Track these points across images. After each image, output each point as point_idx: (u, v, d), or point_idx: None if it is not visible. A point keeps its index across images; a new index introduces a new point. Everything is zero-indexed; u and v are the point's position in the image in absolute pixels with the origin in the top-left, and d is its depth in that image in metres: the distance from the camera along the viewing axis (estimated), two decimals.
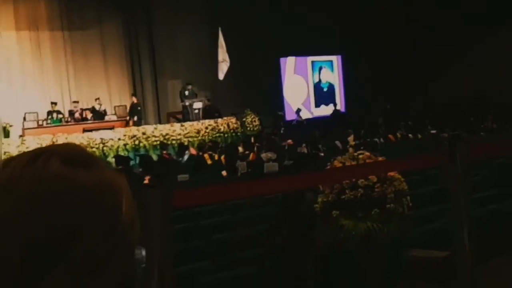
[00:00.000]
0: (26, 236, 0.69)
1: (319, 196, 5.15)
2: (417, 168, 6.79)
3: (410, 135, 18.99)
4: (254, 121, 22.59)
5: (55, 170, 0.75)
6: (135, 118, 21.40)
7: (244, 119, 22.45)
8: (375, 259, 4.83)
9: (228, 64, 22.27)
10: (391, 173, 5.24)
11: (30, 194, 0.72)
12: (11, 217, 0.70)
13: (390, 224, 4.98)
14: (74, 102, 21.37)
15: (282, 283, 4.95)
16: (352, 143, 13.95)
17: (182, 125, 20.79)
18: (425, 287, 4.58)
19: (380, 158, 5.58)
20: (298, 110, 25.03)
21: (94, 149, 18.28)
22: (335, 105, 26.63)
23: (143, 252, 2.13)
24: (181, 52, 24.39)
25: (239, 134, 21.71)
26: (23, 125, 19.79)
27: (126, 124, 20.84)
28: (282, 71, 25.90)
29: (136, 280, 0.78)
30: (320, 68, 27.29)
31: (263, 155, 14.12)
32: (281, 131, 21.83)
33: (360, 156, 5.51)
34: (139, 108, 21.81)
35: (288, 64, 26.14)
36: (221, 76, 22.51)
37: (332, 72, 27.66)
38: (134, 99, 22.09)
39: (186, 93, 22.23)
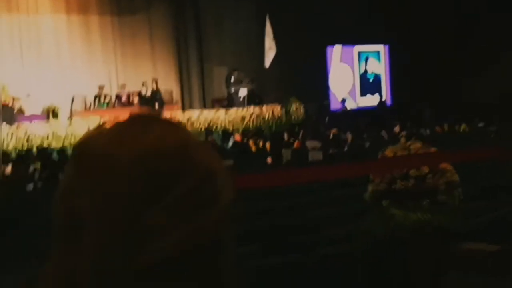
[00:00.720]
0: (135, 177, 0.76)
1: (369, 185, 5.13)
2: (469, 160, 6.70)
3: (457, 127, 18.74)
4: (299, 109, 22.55)
5: (157, 130, 0.81)
6: (156, 105, 21.01)
7: (288, 107, 22.42)
8: (425, 249, 4.80)
9: (274, 51, 22.24)
10: (443, 165, 5.19)
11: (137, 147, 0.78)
12: (126, 162, 0.77)
13: (441, 216, 4.93)
14: (121, 86, 21.64)
15: (330, 270, 4.96)
16: (401, 133, 13.82)
17: (227, 112, 20.87)
18: (476, 280, 4.53)
19: (432, 149, 5.52)
20: (344, 100, 24.89)
21: None
22: (380, 95, 26.41)
23: None
24: (227, 38, 24.44)
25: (283, 122, 21.70)
26: (71, 108, 20.12)
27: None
28: (328, 59, 25.75)
29: (231, 239, 0.81)
30: (367, 58, 27.07)
31: (308, 144, 14.12)
32: (326, 120, 21.74)
33: (412, 147, 5.46)
34: (158, 96, 21.53)
35: (335, 52, 25.98)
36: (267, 63, 22.49)
37: (378, 62, 27.40)
38: (154, 86, 21.69)
39: (232, 79, 22.29)
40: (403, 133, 13.19)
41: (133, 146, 0.79)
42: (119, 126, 0.83)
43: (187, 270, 0.75)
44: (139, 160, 0.77)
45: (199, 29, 24.46)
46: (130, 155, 0.78)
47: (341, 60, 26.10)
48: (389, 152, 5.32)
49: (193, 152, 0.81)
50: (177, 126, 0.85)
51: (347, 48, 26.25)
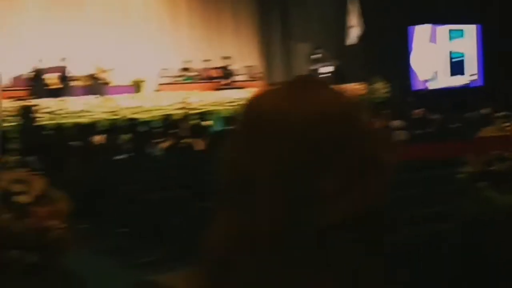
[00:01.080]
0: (306, 139, 0.79)
1: (464, 166, 5.00)
2: None
3: None
4: (382, 88, 22.21)
5: (325, 94, 0.84)
6: (227, 80, 21.15)
7: (372, 86, 22.11)
8: None
9: (359, 29, 21.93)
10: None
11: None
12: (299, 124, 0.80)
13: None
14: (206, 61, 21.88)
15: (420, 250, 4.89)
16: (495, 114, 13.41)
17: None
18: None
19: None
20: (429, 80, 24.33)
21: (224, 108, 18.71)
22: (469, 76, 25.67)
23: None
24: (311, 16, 24.24)
25: (366, 101, 21.42)
26: (157, 81, 20.53)
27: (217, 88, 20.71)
28: (413, 38, 25.18)
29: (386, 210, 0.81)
30: (455, 37, 26.31)
31: (392, 123, 13.90)
32: (410, 100, 21.33)
33: (508, 128, 5.28)
34: (224, 71, 21.49)
35: (421, 31, 25.36)
36: (351, 41, 22.22)
37: (467, 41, 26.60)
38: (223, 63, 21.66)
39: (315, 57, 22.14)
40: (498, 114, 12.78)
41: (305, 108, 0.80)
42: (288, 88, 0.84)
43: (354, 234, 0.76)
44: (311, 123, 0.78)
45: (284, 5, 24.38)
46: (302, 117, 0.78)
47: (428, 40, 25.47)
48: (485, 132, 5.17)
49: (360, 119, 0.82)
50: (343, 93, 0.85)
51: (435, 27, 25.58)
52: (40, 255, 2.76)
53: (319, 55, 22.12)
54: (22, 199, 2.80)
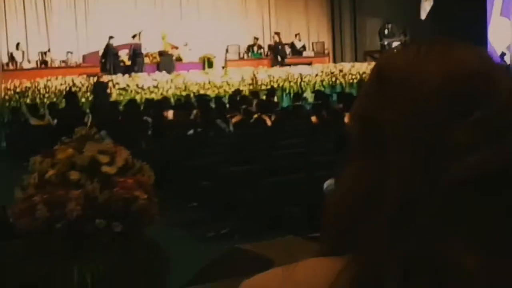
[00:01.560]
0: (442, 95, 0.79)
1: None
2: None
3: None
4: None
5: (460, 52, 0.84)
6: (278, 57, 20.76)
7: None
8: None
9: (431, 2, 21.42)
10: None
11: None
12: (434, 80, 0.80)
13: None
14: (275, 33, 21.80)
15: None
16: None
17: None
18: None
19: None
20: (502, 54, 23.58)
21: (292, 84, 18.67)
22: None
23: None
24: None
25: None
26: (226, 57, 20.63)
27: (273, 64, 20.43)
28: (488, 12, 24.41)
29: None
30: None
31: None
32: None
33: None
34: (280, 47, 21.18)
35: (495, 4, 24.55)
36: (423, 15, 21.72)
37: None
38: (277, 38, 21.23)
39: (386, 31, 21.79)
40: None
41: (440, 65, 0.79)
42: (422, 46, 0.84)
43: (484, 191, 0.75)
44: (447, 79, 0.78)
45: None
46: (437, 73, 0.78)
47: (501, 13, 24.64)
48: None
49: (497, 77, 0.81)
50: (480, 51, 0.85)
51: (509, 1, 24.70)
52: (125, 225, 2.84)
53: (390, 30, 21.73)
54: (108, 169, 2.88)
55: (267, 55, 21.16)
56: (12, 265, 3.15)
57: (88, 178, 2.73)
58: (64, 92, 15.31)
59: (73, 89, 15.87)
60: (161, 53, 18.90)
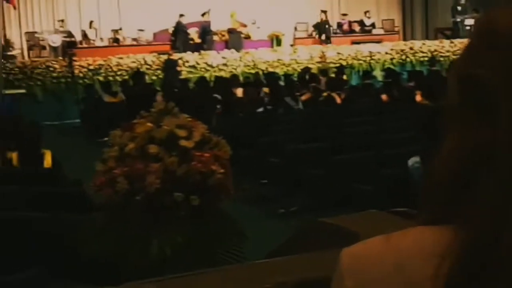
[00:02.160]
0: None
1: None
2: None
3: None
4: None
5: None
6: (323, 36, 20.02)
7: None
8: None
9: None
10: None
11: None
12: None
13: None
14: (343, 14, 21.58)
15: None
16: None
17: (451, 42, 19.98)
18: None
19: None
20: None
21: (361, 62, 18.46)
22: None
23: None
24: None
25: None
26: (294, 35, 20.53)
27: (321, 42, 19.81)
28: None
29: None
30: None
31: None
32: None
33: None
34: (327, 26, 20.58)
35: None
36: None
37: None
38: (323, 16, 20.38)
39: (459, 8, 21.18)
40: None
41: None
42: None
43: None
44: None
45: None
46: None
47: None
48: None
49: None
50: None
51: None
52: (202, 198, 2.89)
53: (463, 6, 21.12)
54: (186, 143, 2.93)
55: (335, 33, 20.92)
56: (92, 238, 3.25)
57: (167, 151, 2.79)
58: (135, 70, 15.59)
59: (144, 66, 16.14)
60: (230, 31, 18.93)
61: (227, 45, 18.40)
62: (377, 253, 0.79)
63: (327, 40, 19.76)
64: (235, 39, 18.54)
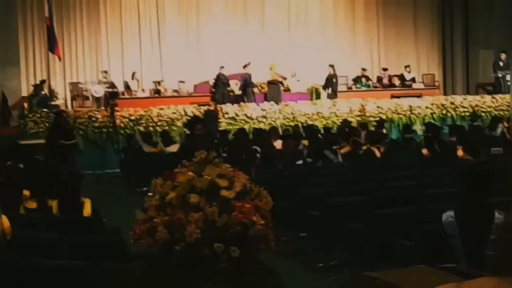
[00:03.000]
0: None
1: None
2: None
3: None
4: None
5: None
6: (329, 90, 19.48)
7: None
8: None
9: None
10: None
11: None
12: None
13: None
14: (384, 69, 21.60)
15: None
16: None
17: (493, 97, 19.81)
18: None
19: None
20: None
21: (401, 116, 18.39)
22: None
23: None
24: (496, 19, 23.08)
25: None
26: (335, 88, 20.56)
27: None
28: None
29: None
30: None
31: None
32: None
33: None
34: (334, 80, 20.31)
35: None
36: None
37: None
38: (331, 70, 19.72)
39: (501, 63, 21.03)
40: None
41: None
42: None
43: None
44: None
45: (466, 10, 23.46)
46: None
47: None
48: None
49: None
50: None
51: None
52: (242, 250, 2.84)
53: (505, 62, 20.96)
54: (227, 193, 2.91)
55: (375, 86, 20.91)
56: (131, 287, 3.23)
57: (207, 201, 2.77)
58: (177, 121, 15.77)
59: (184, 117, 16.31)
60: (270, 83, 19.08)
61: (266, 97, 18.53)
62: None
63: (333, 95, 19.29)
64: (274, 91, 18.67)
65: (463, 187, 4.31)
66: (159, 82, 19.55)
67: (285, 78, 19.82)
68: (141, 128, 16.04)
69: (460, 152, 10.60)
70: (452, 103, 19.30)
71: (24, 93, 18.52)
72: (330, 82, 19.56)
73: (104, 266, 4.28)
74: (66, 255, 4.69)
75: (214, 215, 2.81)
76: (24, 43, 19.16)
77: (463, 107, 19.24)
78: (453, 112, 19.09)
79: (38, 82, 18.39)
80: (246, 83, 18.52)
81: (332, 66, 19.59)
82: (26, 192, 6.43)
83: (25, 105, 17.70)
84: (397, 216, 7.00)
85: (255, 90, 19.02)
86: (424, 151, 11.39)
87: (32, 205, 5.95)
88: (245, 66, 18.59)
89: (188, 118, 16.22)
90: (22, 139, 14.15)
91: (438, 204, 6.79)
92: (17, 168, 8.66)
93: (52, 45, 17.67)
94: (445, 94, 22.11)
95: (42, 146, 11.64)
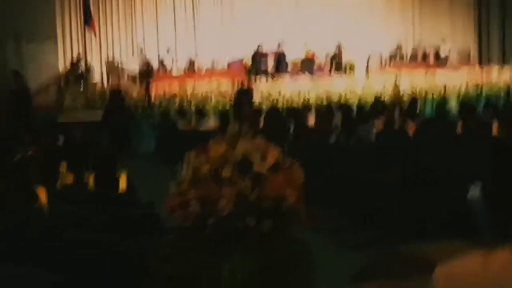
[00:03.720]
0: None
1: None
2: None
3: None
4: None
5: None
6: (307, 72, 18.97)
7: None
8: None
9: None
10: None
11: None
12: None
13: None
14: (417, 43, 21.36)
15: None
16: None
17: None
18: None
19: None
20: None
21: (435, 92, 18.22)
22: None
23: None
24: None
25: None
26: (368, 64, 20.44)
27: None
28: None
29: None
30: None
31: None
32: None
33: None
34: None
35: None
36: None
37: None
38: (337, 50, 19.79)
39: None
40: None
41: None
42: None
43: None
44: None
45: None
46: None
47: None
48: None
49: None
50: None
51: None
52: (274, 224, 2.86)
53: None
54: (259, 167, 2.92)
55: (410, 61, 20.70)
56: (163, 261, 3.29)
57: (240, 175, 2.79)
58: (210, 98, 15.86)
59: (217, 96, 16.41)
60: (303, 61, 19.03)
61: (301, 73, 18.50)
62: (474, 273, 0.77)
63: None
64: (308, 66, 18.62)
65: (492, 162, 4.28)
66: (193, 59, 19.62)
67: (318, 56, 19.72)
68: (176, 105, 16.15)
69: (495, 130, 10.47)
70: (487, 79, 19.05)
71: (61, 67, 18.76)
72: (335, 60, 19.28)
73: (138, 239, 4.37)
74: (102, 229, 4.79)
75: (246, 189, 2.84)
76: (61, 18, 19.35)
77: (499, 83, 18.98)
78: (488, 89, 18.84)
79: (74, 58, 18.60)
80: (280, 61, 18.51)
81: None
82: (63, 167, 6.56)
83: (62, 80, 17.94)
84: (429, 194, 6.98)
85: (291, 66, 19.01)
86: (459, 128, 11.27)
87: (69, 179, 6.07)
88: (279, 45, 18.56)
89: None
90: (59, 115, 14.37)
91: (471, 183, 6.77)
92: (55, 142, 8.83)
93: (87, 19, 17.83)
94: (481, 67, 21.81)
95: (79, 124, 11.81)
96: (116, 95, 14.50)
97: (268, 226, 2.72)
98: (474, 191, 4.73)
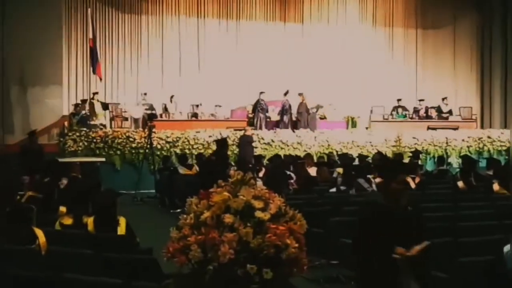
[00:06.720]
0: None
1: None
2: None
3: None
4: None
5: None
6: (285, 118, 18.59)
7: None
8: None
9: None
10: None
11: None
12: None
13: None
14: (420, 100, 21.47)
15: None
16: None
17: None
18: None
19: None
20: None
21: (437, 148, 18.24)
22: None
23: None
24: None
25: None
26: (370, 118, 20.52)
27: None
28: None
29: None
30: None
31: None
32: None
33: None
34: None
35: None
36: None
37: None
38: (301, 99, 18.95)
39: None
40: None
41: None
42: None
43: None
44: None
45: (506, 43, 23.28)
46: None
47: None
48: None
49: None
50: None
51: None
52: (275, 272, 2.85)
53: None
54: (262, 215, 2.92)
55: (411, 117, 20.76)
56: None
57: (242, 222, 2.79)
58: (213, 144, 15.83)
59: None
60: (306, 111, 19.09)
61: (302, 124, 18.52)
62: None
63: (291, 124, 18.68)
64: (310, 119, 18.67)
65: None
66: (197, 106, 19.73)
67: (321, 106, 19.80)
68: (177, 150, 16.18)
69: (496, 186, 10.45)
70: (489, 137, 19.10)
71: (65, 111, 18.88)
72: (286, 110, 18.81)
73: (137, 284, 4.33)
74: (100, 272, 4.76)
75: (248, 236, 2.83)
76: (68, 63, 19.59)
77: (501, 141, 19.02)
78: (490, 146, 18.89)
79: (78, 102, 18.72)
80: (284, 110, 18.57)
81: (300, 94, 18.87)
82: (63, 208, 6.54)
83: (66, 123, 18.01)
84: (432, 248, 6.92)
85: (292, 117, 19.03)
86: (460, 183, 11.25)
87: (68, 221, 6.04)
88: (286, 93, 18.64)
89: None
90: (61, 157, 14.38)
91: (473, 237, 6.71)
92: (55, 184, 8.81)
93: (94, 66, 18.01)
94: (482, 127, 21.91)
95: (79, 165, 11.78)
96: None
97: (269, 274, 2.72)
98: (508, 247, 4.69)
